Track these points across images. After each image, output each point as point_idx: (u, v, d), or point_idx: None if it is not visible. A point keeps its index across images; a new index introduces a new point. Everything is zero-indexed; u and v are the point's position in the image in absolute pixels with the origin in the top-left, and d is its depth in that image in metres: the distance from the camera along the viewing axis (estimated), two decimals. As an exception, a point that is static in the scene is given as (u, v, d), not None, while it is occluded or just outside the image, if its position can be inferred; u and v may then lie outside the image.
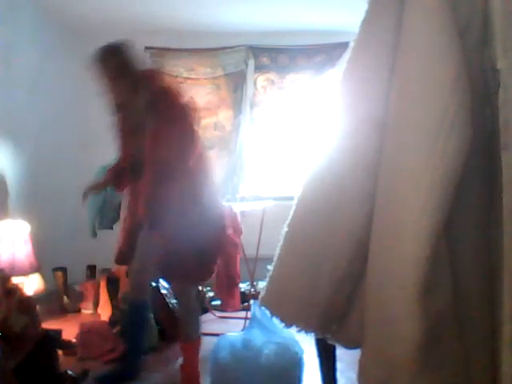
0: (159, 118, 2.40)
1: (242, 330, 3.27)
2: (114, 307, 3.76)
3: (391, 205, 1.48)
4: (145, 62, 5.19)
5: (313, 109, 5.11)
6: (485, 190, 1.46)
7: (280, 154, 5.28)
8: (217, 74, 5.33)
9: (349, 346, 1.67)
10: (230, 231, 3.77)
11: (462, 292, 1.40)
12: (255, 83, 5.30)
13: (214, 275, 3.80)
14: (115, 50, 2.51)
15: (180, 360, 2.70)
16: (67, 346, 3.06)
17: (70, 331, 3.21)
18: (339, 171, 1.59)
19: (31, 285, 3.40)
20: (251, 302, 3.67)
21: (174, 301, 3.54)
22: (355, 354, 1.59)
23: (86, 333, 3.14)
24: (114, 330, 3.35)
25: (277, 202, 4.23)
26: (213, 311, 4.16)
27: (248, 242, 3.91)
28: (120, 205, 3.90)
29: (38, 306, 2.59)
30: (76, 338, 3.17)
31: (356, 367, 1.55)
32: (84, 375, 2.66)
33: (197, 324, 2.66)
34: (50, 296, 4.06)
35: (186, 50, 5.31)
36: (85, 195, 2.72)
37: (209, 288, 4.32)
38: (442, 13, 1.41)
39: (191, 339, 2.63)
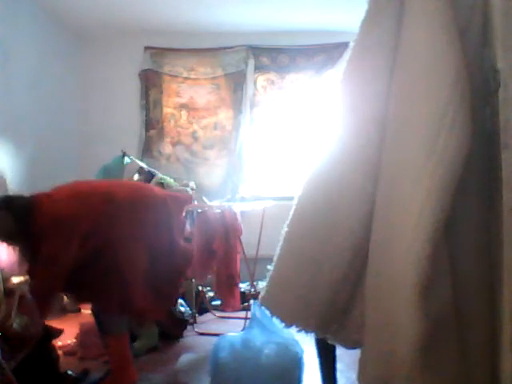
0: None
1: (242, 330, 3.27)
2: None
3: (391, 205, 1.48)
4: (145, 61, 5.26)
5: (313, 109, 5.11)
6: (485, 190, 1.46)
7: (280, 154, 5.28)
8: (217, 74, 5.33)
9: (349, 346, 1.67)
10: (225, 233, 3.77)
11: (462, 292, 1.40)
12: (255, 83, 5.30)
13: (214, 275, 3.84)
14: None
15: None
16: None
17: (70, 331, 3.20)
18: (339, 171, 1.60)
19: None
20: (251, 301, 3.67)
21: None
22: (355, 353, 1.60)
23: (86, 333, 3.14)
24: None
25: (277, 202, 4.23)
26: (213, 311, 4.16)
27: (248, 241, 3.91)
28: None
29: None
30: (76, 338, 3.17)
31: (356, 367, 1.55)
32: (84, 375, 2.66)
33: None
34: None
35: (186, 50, 5.31)
36: None
37: (209, 288, 4.32)
38: (442, 13, 1.41)
39: (121, 332, 2.56)
